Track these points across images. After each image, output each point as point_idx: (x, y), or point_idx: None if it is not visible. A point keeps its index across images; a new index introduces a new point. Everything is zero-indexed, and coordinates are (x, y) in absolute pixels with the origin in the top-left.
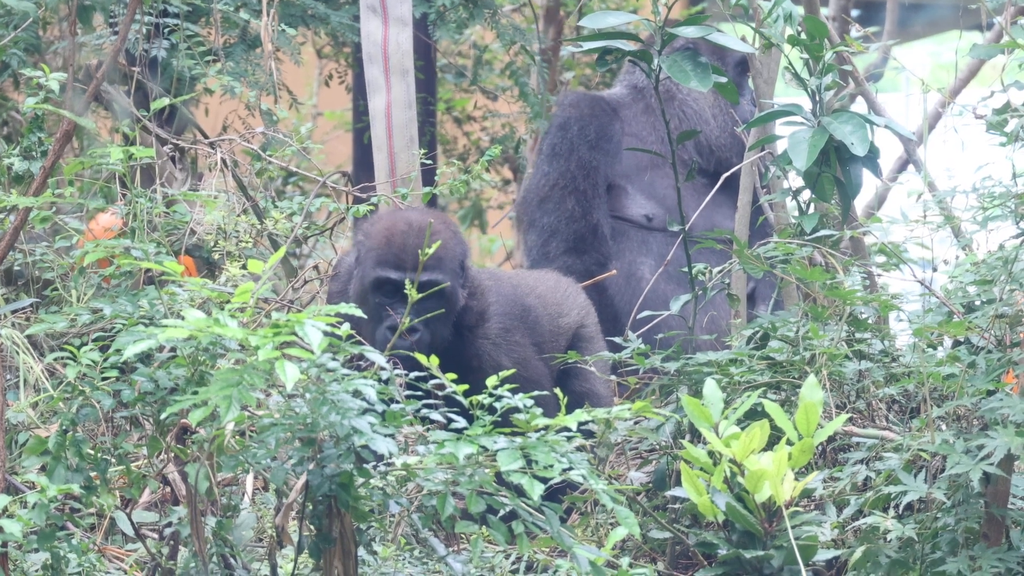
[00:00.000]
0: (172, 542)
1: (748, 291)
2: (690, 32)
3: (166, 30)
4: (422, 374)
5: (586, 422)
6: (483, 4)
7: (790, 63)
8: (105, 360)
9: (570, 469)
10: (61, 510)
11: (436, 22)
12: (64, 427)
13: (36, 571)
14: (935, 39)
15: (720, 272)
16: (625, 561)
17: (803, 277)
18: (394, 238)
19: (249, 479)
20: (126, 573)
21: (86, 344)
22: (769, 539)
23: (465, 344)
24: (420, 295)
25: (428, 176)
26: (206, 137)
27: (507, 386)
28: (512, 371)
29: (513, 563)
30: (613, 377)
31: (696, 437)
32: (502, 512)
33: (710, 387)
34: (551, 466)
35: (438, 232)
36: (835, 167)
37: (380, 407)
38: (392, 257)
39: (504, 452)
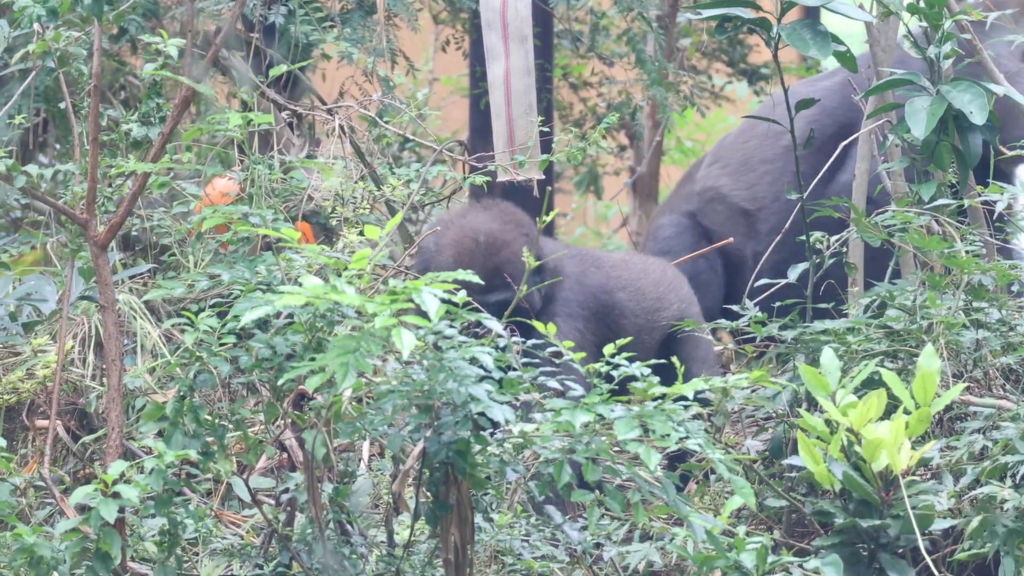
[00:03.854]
0: (288, 508)
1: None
2: (810, 0)
3: None
4: (539, 342)
5: (703, 391)
6: None
7: (909, 31)
8: (223, 326)
9: (687, 438)
10: (178, 475)
11: None
12: (181, 393)
13: (153, 536)
14: None
15: (837, 240)
16: (741, 530)
17: (921, 245)
18: (462, 257)
19: (365, 446)
20: (242, 538)
21: (203, 310)
22: (886, 508)
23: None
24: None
25: (545, 143)
26: (323, 103)
27: (624, 355)
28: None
29: (629, 531)
30: (730, 345)
31: (813, 406)
32: (618, 480)
33: (827, 356)
34: (668, 435)
35: (507, 242)
36: (953, 136)
37: (497, 374)
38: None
39: (621, 420)
